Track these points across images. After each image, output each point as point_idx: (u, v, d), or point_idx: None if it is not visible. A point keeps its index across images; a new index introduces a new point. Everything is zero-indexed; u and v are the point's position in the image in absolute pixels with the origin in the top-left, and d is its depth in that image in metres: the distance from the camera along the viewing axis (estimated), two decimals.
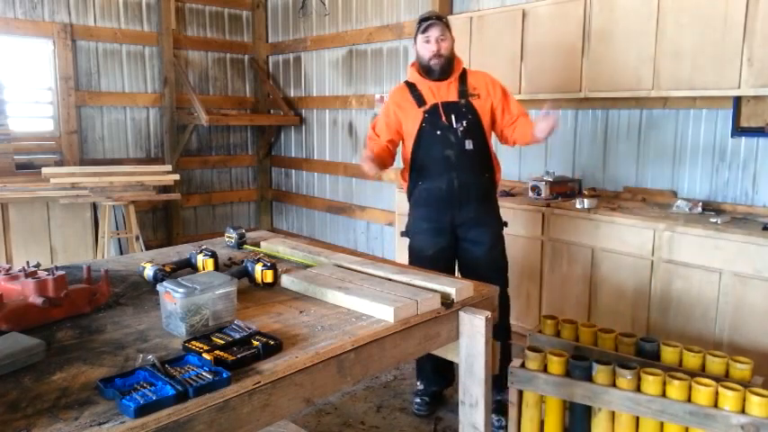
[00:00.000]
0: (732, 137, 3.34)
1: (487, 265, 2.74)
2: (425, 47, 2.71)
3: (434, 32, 2.68)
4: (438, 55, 2.69)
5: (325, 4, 5.73)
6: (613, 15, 3.41)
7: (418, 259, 2.77)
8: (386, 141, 2.83)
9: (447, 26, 2.74)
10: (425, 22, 2.71)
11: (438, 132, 2.71)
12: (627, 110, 3.77)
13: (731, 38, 2.98)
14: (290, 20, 6.23)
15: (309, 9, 5.87)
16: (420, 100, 2.75)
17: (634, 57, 3.33)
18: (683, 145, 3.55)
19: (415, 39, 2.76)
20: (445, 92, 2.74)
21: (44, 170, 4.53)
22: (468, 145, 2.70)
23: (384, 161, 2.79)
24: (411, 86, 2.79)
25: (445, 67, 2.72)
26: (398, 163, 2.98)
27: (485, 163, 2.78)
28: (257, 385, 1.22)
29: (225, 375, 1.18)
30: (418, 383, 3.03)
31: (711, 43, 3.05)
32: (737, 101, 3.25)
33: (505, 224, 2.89)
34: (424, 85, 2.76)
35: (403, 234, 2.92)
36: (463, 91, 2.73)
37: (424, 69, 2.75)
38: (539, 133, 2.63)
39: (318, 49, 5.89)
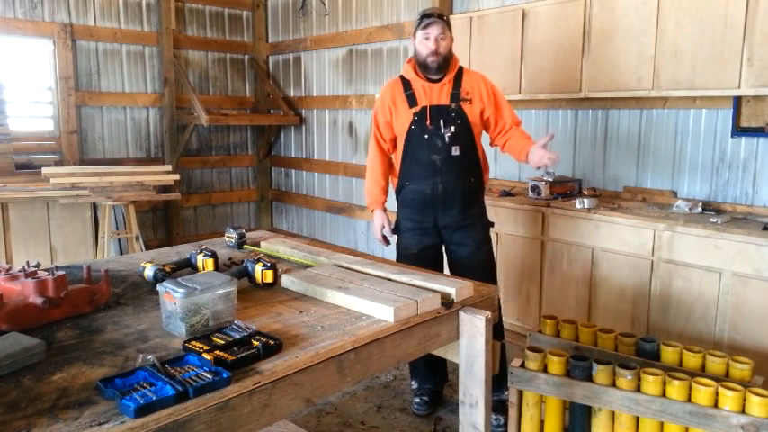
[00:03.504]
0: (732, 137, 3.34)
1: (474, 266, 2.74)
2: (424, 44, 2.67)
3: (435, 30, 2.65)
4: (436, 53, 2.66)
5: (325, 4, 5.73)
6: (613, 15, 3.41)
7: (404, 257, 2.84)
8: (389, 140, 2.87)
9: (448, 25, 2.71)
10: (426, 19, 2.67)
11: (426, 136, 2.71)
12: (627, 110, 3.77)
13: (731, 38, 2.98)
14: (290, 20, 6.23)
15: (309, 9, 5.87)
16: (412, 100, 2.74)
17: (634, 57, 3.33)
18: (683, 145, 3.55)
19: (414, 34, 2.72)
20: (437, 94, 2.72)
21: (44, 170, 4.53)
22: (455, 151, 2.70)
23: (386, 180, 2.95)
24: (405, 83, 2.78)
25: (442, 65, 2.70)
26: None
27: (471, 167, 2.78)
28: (257, 385, 1.22)
29: (225, 375, 1.18)
30: (412, 382, 3.05)
31: (711, 43, 3.05)
32: (737, 101, 3.25)
33: (492, 224, 2.90)
34: (418, 85, 2.74)
35: (393, 232, 2.94)
36: (455, 95, 2.72)
37: (421, 66, 2.73)
38: (533, 164, 2.65)
39: (318, 49, 5.89)
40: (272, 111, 6.55)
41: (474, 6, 4.42)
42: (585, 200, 3.43)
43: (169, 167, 5.11)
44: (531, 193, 3.70)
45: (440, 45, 2.66)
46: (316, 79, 6.02)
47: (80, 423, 1.03)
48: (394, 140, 2.87)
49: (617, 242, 3.26)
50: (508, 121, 2.80)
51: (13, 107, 5.01)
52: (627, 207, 3.43)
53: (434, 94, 2.73)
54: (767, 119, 3.19)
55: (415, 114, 2.72)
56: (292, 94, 6.33)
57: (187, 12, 6.02)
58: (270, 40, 6.51)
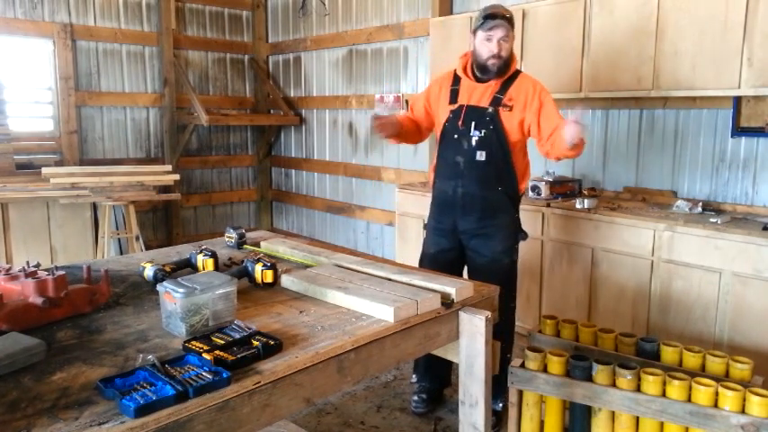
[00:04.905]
0: (732, 137, 3.34)
1: (490, 276, 2.56)
2: (485, 45, 2.55)
3: (499, 33, 2.53)
4: (498, 56, 2.55)
5: (325, 4, 5.73)
6: (613, 15, 3.41)
7: (423, 255, 2.86)
8: (421, 119, 2.83)
9: (512, 25, 2.58)
10: (491, 20, 2.53)
11: (455, 136, 2.67)
12: (627, 110, 3.77)
13: (731, 38, 2.98)
14: (290, 20, 6.23)
15: (309, 9, 5.87)
16: (454, 96, 2.69)
17: (634, 57, 3.33)
18: (683, 145, 3.55)
19: (475, 32, 2.59)
20: (480, 95, 2.64)
21: (44, 170, 4.53)
22: (480, 156, 2.61)
23: (404, 130, 2.76)
24: (455, 78, 2.73)
25: (502, 68, 2.59)
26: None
27: (499, 175, 2.65)
28: (257, 385, 1.22)
29: (225, 375, 1.18)
30: (414, 376, 3.05)
31: (711, 43, 3.05)
32: (737, 101, 3.26)
33: (524, 237, 2.80)
34: (465, 84, 2.68)
35: (424, 227, 2.95)
36: (497, 98, 2.61)
37: (479, 67, 2.63)
38: (566, 142, 2.40)
39: (318, 49, 5.89)
40: (272, 111, 6.55)
41: (474, 6, 4.42)
42: (585, 200, 3.43)
43: (169, 167, 5.12)
44: (530, 193, 3.70)
45: (502, 48, 2.54)
46: (316, 79, 6.02)
47: (80, 423, 1.03)
48: (428, 126, 2.84)
49: (617, 242, 3.26)
50: (550, 125, 2.57)
51: (13, 107, 5.01)
52: (627, 207, 3.43)
53: (477, 94, 2.65)
54: (767, 119, 3.19)
55: (451, 111, 2.68)
56: (292, 94, 6.33)
57: (187, 12, 6.02)
58: (270, 40, 6.51)
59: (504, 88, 2.63)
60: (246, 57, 6.50)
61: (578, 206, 3.42)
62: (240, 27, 6.43)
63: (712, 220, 2.99)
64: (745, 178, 3.33)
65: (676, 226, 3.04)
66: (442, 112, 2.72)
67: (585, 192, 3.85)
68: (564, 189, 3.75)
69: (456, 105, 2.67)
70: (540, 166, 4.17)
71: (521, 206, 2.86)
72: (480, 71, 2.64)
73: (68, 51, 5.22)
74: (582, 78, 3.58)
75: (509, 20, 2.57)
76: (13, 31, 4.97)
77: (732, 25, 2.97)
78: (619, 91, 3.46)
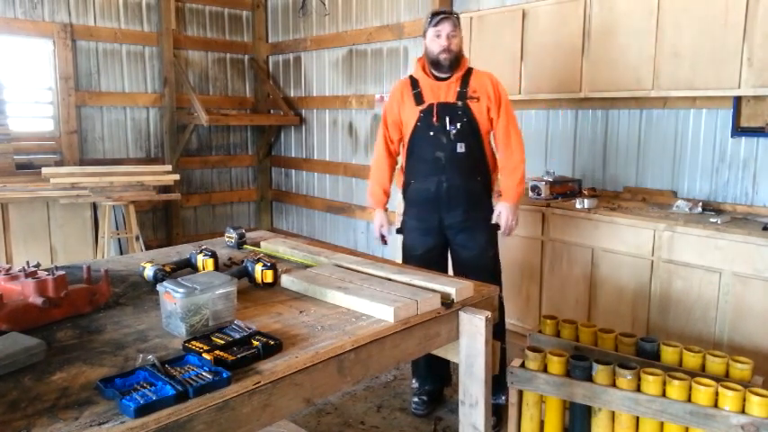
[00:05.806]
0: (732, 137, 3.34)
1: (478, 269, 2.71)
2: (436, 41, 2.69)
3: (446, 28, 2.67)
4: (448, 50, 2.67)
5: (325, 4, 5.73)
6: (613, 15, 3.41)
7: (409, 257, 2.85)
8: (397, 141, 2.89)
9: (458, 23, 2.74)
10: (437, 16, 2.70)
11: (431, 133, 2.72)
12: (627, 110, 3.77)
13: (731, 38, 2.98)
14: (290, 20, 6.23)
15: (309, 9, 5.87)
16: (419, 98, 2.75)
17: (634, 57, 3.33)
18: (683, 145, 3.55)
19: (425, 33, 2.74)
20: (444, 92, 2.73)
21: (44, 170, 4.53)
22: (460, 148, 2.70)
23: (390, 181, 2.95)
24: (414, 82, 2.80)
25: (454, 62, 2.71)
26: None
27: (478, 167, 2.77)
28: (257, 385, 1.22)
29: (225, 375, 1.18)
30: (413, 381, 3.05)
31: (711, 43, 3.05)
32: (737, 101, 3.25)
33: (498, 227, 2.88)
34: (426, 83, 2.76)
35: (398, 231, 2.96)
36: (462, 93, 2.72)
37: (433, 64, 2.73)
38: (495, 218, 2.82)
39: (318, 49, 5.89)
40: (272, 111, 6.55)
41: (474, 6, 4.42)
42: (585, 200, 3.43)
43: (169, 167, 5.11)
44: (530, 194, 3.70)
45: (451, 42, 2.68)
46: (316, 79, 6.02)
47: (80, 423, 1.03)
48: (401, 141, 2.88)
49: (617, 242, 3.26)
50: (501, 133, 2.77)
51: (13, 107, 5.01)
52: (627, 207, 3.43)
53: (441, 92, 2.73)
54: (767, 119, 3.19)
55: (421, 112, 2.73)
56: (292, 94, 6.33)
57: (187, 12, 6.02)
58: (270, 40, 6.51)
59: (465, 83, 2.74)
60: (246, 57, 6.50)
61: (578, 206, 3.42)
62: (240, 27, 6.43)
63: (712, 220, 2.99)
64: (745, 178, 3.32)
65: (676, 226, 3.04)
66: (411, 114, 2.77)
67: (585, 192, 3.85)
68: (564, 189, 3.76)
69: (425, 105, 2.73)
70: (540, 166, 4.17)
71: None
72: (434, 67, 2.74)
73: (68, 51, 5.22)
74: (582, 78, 3.58)
75: (455, 17, 2.73)
76: (13, 31, 4.97)
77: (732, 25, 2.97)
78: (619, 91, 3.46)
